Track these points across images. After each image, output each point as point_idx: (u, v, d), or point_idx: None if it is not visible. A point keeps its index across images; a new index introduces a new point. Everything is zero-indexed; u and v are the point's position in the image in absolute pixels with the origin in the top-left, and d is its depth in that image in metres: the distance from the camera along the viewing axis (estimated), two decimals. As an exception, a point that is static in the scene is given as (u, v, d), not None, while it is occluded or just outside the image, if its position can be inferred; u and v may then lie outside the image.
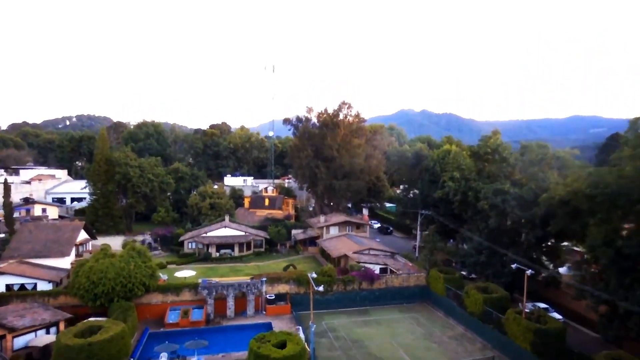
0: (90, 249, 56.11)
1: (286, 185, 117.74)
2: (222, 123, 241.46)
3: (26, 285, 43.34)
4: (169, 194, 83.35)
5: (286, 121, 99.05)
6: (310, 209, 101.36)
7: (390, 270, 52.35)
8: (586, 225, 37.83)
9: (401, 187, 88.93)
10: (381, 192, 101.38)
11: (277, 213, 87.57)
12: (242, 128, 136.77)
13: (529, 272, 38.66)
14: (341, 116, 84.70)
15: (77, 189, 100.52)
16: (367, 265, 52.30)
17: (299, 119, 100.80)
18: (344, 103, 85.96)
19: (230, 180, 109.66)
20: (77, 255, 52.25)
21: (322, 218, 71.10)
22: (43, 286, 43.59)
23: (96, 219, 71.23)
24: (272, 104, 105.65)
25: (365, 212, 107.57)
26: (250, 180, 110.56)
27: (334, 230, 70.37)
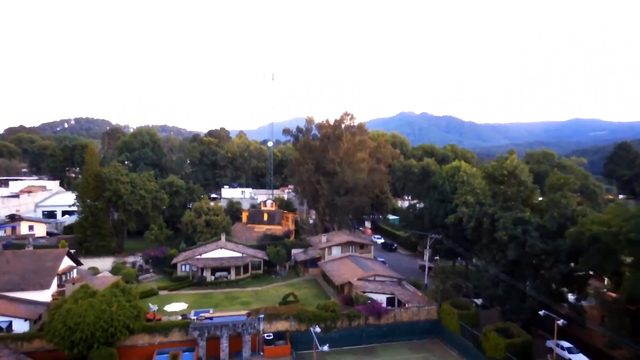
0: (75, 276, 52.11)
1: (285, 196, 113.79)
2: (220, 129, 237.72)
3: (0, 324, 39.43)
4: (163, 207, 79.28)
5: (286, 132, 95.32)
6: (311, 221, 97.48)
7: (398, 300, 48.47)
8: (620, 264, 34.02)
9: (407, 198, 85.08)
10: (384, 204, 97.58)
11: (277, 229, 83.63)
12: (241, 136, 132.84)
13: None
14: (343, 126, 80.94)
15: (68, 201, 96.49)
16: (373, 295, 48.42)
17: (299, 130, 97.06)
18: (346, 114, 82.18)
19: (227, 192, 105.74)
20: (59, 285, 48.23)
21: (323, 238, 67.18)
22: (19, 325, 39.69)
23: (85, 238, 67.28)
24: (272, 112, 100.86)
25: (367, 224, 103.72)
26: (248, 192, 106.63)
27: (336, 251, 66.42)
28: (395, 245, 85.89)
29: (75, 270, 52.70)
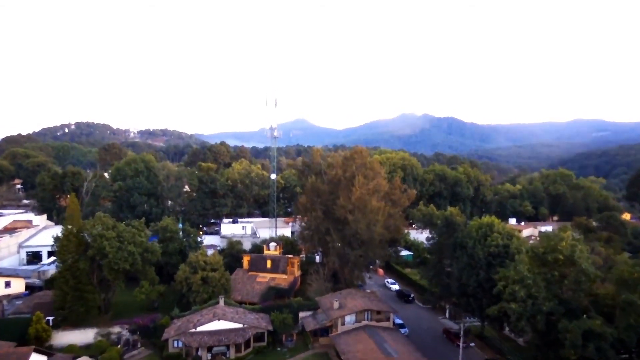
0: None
1: (290, 229, 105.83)
2: (220, 143, 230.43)
3: None
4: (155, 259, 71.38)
5: (291, 165, 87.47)
6: (317, 258, 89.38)
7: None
8: None
9: (424, 235, 76.03)
10: (397, 240, 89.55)
11: (281, 279, 75.72)
12: (242, 161, 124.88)
13: None
14: (354, 167, 72.85)
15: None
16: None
17: (305, 164, 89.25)
18: (356, 152, 74.13)
19: (227, 228, 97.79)
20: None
21: (335, 303, 59.09)
22: None
23: (64, 304, 59.28)
24: (275, 139, 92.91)
25: (378, 261, 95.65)
26: (249, 227, 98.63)
27: (350, 318, 58.37)
28: (412, 295, 77.69)
29: (46, 365, 44.77)
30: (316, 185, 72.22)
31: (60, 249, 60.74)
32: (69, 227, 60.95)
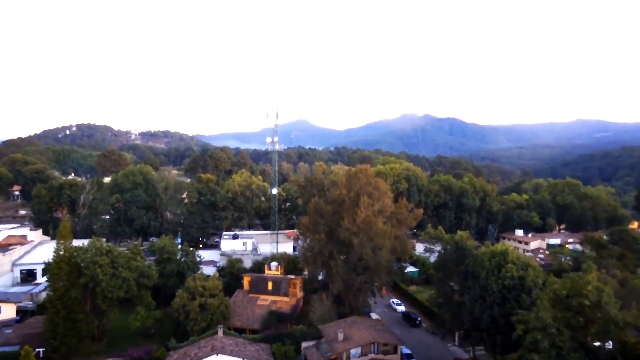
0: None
1: (291, 244, 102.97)
2: (221, 149, 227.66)
3: None
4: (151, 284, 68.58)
5: (293, 182, 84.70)
6: (320, 277, 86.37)
7: None
8: None
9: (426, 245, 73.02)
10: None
11: (283, 302, 72.78)
12: (242, 173, 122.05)
13: None
14: (359, 186, 69.90)
15: (51, 255, 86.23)
16: None
17: (308, 180, 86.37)
18: (361, 170, 71.14)
19: (227, 244, 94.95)
20: None
21: (340, 335, 56.11)
22: None
23: (55, 335, 56.44)
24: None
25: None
26: (250, 243, 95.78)
27: (355, 351, 55.43)
28: (419, 319, 74.68)
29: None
30: (319, 205, 69.23)
31: (51, 276, 58.03)
32: (61, 253, 58.27)
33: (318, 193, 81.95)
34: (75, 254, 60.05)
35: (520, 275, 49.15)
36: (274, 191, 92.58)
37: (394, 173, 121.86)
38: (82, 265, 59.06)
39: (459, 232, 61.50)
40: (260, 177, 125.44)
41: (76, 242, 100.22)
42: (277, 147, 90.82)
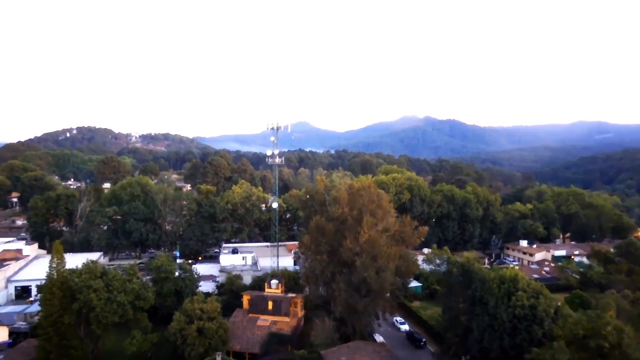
0: None
1: (292, 256, 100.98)
2: (221, 154, 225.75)
3: None
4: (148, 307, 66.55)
5: (294, 196, 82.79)
6: (321, 291, 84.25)
7: None
8: None
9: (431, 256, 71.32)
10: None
11: (284, 322, 70.66)
12: (242, 184, 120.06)
13: None
14: (362, 203, 67.90)
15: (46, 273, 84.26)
16: None
17: (309, 195, 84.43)
18: (364, 188, 69.12)
19: (227, 259, 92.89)
20: None
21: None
22: None
23: (47, 362, 54.44)
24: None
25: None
26: (250, 258, 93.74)
27: (359, 379, 53.42)
28: (424, 340, 72.47)
29: None
30: (321, 224, 67.20)
31: (43, 301, 56.04)
32: (53, 277, 56.30)
33: (320, 208, 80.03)
34: (68, 277, 57.98)
35: (532, 304, 47.11)
36: (274, 205, 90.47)
37: (396, 183, 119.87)
38: (75, 289, 56.92)
39: (465, 254, 59.59)
40: (260, 188, 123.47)
41: (73, 256, 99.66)
42: (277, 160, 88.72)
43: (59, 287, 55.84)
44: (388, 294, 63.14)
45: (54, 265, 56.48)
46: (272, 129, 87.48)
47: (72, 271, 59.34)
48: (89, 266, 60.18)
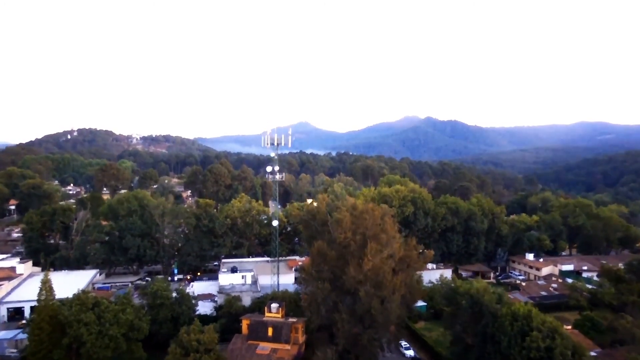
0: None
1: (293, 274, 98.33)
2: (221, 161, 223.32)
3: None
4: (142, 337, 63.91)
5: (295, 215, 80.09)
6: (323, 311, 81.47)
7: None
8: None
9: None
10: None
11: (284, 350, 67.78)
12: (241, 198, 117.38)
13: None
14: (366, 225, 65.13)
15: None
16: None
17: (309, 213, 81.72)
18: (367, 211, 66.33)
19: (226, 279, 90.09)
20: None
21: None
22: None
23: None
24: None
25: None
26: (249, 277, 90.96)
27: (363, 420, 50.71)
28: (431, 368, 69.73)
29: None
30: (323, 250, 64.42)
31: (30, 336, 53.45)
32: (42, 310, 53.70)
33: (321, 228, 77.34)
34: (58, 309, 55.36)
35: (547, 346, 44.38)
36: (275, 223, 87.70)
37: (399, 196, 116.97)
38: (65, 323, 54.30)
39: (475, 284, 56.62)
40: (261, 202, 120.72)
41: (68, 274, 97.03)
42: (277, 177, 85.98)
43: (47, 321, 53.27)
44: (394, 327, 60.23)
45: (42, 299, 53.84)
46: (272, 144, 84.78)
47: (61, 303, 56.71)
48: (80, 297, 57.49)
